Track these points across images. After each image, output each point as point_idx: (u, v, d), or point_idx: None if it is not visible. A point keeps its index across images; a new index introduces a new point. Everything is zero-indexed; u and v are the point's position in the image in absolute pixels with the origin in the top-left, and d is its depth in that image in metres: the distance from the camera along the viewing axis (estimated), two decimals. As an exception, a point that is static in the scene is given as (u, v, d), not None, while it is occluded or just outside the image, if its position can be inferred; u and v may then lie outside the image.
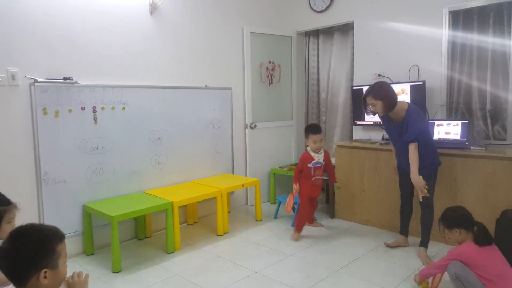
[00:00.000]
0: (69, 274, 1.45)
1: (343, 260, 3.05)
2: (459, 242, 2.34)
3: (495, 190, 3.07)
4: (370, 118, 4.15)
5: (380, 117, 3.18)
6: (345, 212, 4.06)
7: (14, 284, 1.28)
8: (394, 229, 3.55)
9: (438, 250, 3.15)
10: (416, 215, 3.40)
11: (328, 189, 4.39)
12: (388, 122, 3.10)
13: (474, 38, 3.64)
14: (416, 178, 2.86)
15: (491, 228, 3.01)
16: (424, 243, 3.07)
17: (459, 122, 3.47)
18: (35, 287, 1.27)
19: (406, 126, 2.90)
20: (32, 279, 1.26)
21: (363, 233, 3.69)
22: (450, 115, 3.78)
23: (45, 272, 1.28)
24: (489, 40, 3.55)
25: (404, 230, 3.31)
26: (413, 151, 2.86)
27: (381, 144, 3.79)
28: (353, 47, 4.49)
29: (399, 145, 3.09)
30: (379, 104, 2.89)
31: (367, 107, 3.00)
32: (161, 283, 2.73)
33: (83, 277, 1.47)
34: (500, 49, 3.51)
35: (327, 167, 3.61)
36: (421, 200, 2.89)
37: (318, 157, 3.46)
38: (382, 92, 2.89)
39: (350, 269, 2.89)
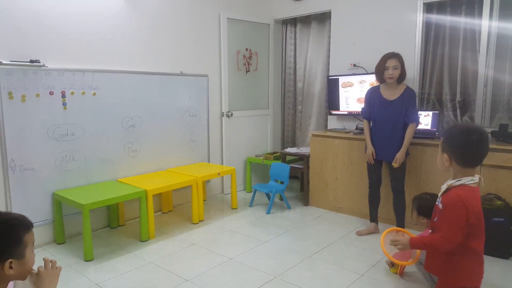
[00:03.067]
0: (37, 263, 1.38)
1: (316, 247, 3.11)
2: (426, 227, 2.41)
3: (461, 178, 3.19)
4: (345, 108, 4.23)
5: (370, 94, 3.28)
6: (318, 200, 4.14)
7: None
8: (365, 216, 3.64)
9: (407, 236, 3.27)
10: (385, 202, 3.52)
11: (302, 178, 4.45)
12: (379, 98, 3.19)
13: (446, 30, 3.74)
14: (404, 155, 3.09)
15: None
16: (401, 228, 3.19)
17: (430, 113, 3.57)
18: (0, 277, 1.22)
19: (407, 103, 3.08)
20: None
21: (335, 220, 3.77)
22: (422, 106, 3.89)
23: (11, 262, 1.22)
24: (461, 33, 3.65)
25: (374, 217, 3.42)
26: (412, 130, 3.09)
27: (354, 133, 3.86)
28: (329, 37, 4.51)
29: (387, 122, 3.14)
30: (399, 67, 3.06)
31: (385, 71, 3.08)
32: (134, 271, 2.70)
33: (56, 268, 1.36)
34: (471, 42, 3.62)
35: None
36: (394, 165, 3.11)
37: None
38: (402, 59, 3.11)
39: (323, 255, 2.96)
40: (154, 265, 2.80)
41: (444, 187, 1.64)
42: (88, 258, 2.85)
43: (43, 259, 1.33)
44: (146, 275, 2.64)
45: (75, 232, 3.30)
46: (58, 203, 3.11)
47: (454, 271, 1.59)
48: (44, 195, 3.09)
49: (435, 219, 1.66)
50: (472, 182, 1.55)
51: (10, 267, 1.22)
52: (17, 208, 2.91)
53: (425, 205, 2.39)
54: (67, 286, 2.47)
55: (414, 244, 1.66)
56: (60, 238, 3.15)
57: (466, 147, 1.55)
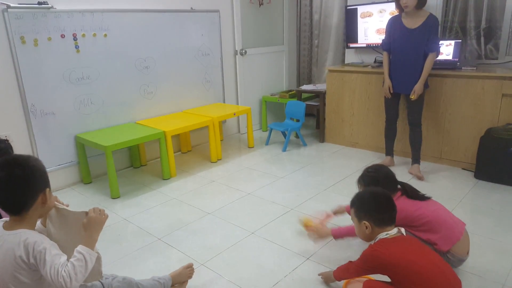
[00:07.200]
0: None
1: (331, 180, 3.19)
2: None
3: (482, 109, 3.12)
4: (363, 40, 4.05)
5: (391, 23, 3.13)
6: (334, 136, 4.15)
7: (13, 213, 1.27)
8: (380, 150, 3.66)
9: (424, 167, 3.29)
10: (401, 136, 3.51)
11: (318, 115, 4.43)
12: (401, 27, 3.04)
13: None
14: (422, 86, 3.00)
15: (475, 145, 3.14)
16: (416, 160, 3.25)
17: (452, 42, 3.39)
18: (35, 212, 1.30)
19: (428, 32, 2.92)
20: (36, 202, 1.27)
21: (351, 155, 3.82)
22: (444, 35, 3.69)
23: (48, 190, 1.31)
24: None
25: (389, 151, 3.45)
26: (432, 60, 2.96)
27: (372, 67, 3.74)
28: (347, -37, 4.19)
29: (407, 52, 3.03)
30: None
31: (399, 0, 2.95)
32: (160, 206, 2.87)
33: (104, 216, 1.38)
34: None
35: None
36: (412, 98, 3.03)
37: None
38: None
39: (338, 188, 3.05)
40: (177, 200, 2.95)
41: None
42: (115, 196, 3.03)
43: (93, 208, 1.38)
44: (170, 210, 2.81)
45: (101, 172, 3.47)
46: (81, 146, 3.24)
47: None
48: (67, 138, 3.21)
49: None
50: (387, 235, 1.55)
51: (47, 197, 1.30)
52: (42, 151, 3.05)
53: (372, 179, 1.95)
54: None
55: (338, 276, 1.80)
56: (86, 178, 3.33)
57: (379, 209, 1.58)
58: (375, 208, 1.59)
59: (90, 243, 1.30)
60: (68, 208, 1.40)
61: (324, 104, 4.15)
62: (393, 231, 1.57)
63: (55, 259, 1.20)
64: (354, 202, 1.68)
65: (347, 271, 1.72)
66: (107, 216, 1.39)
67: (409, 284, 1.46)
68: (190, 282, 1.94)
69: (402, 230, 1.61)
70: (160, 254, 2.24)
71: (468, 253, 1.86)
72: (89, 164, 3.34)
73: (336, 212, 2.37)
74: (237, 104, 4.61)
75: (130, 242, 2.39)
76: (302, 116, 4.10)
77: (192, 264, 1.96)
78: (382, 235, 1.57)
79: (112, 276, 1.63)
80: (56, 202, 1.37)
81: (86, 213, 1.35)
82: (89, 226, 1.32)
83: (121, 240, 2.42)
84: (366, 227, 1.59)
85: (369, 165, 2.08)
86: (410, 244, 1.56)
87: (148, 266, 2.13)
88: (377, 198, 1.62)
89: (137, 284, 1.66)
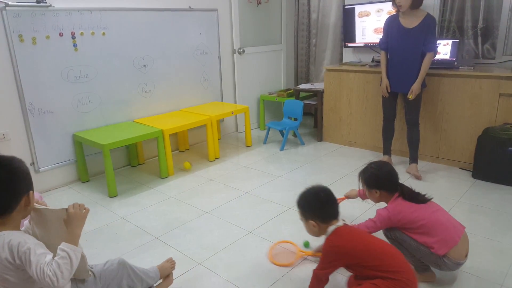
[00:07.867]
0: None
1: (329, 179, 3.20)
2: (376, 201, 1.99)
3: (479, 108, 3.14)
4: (361, 40, 4.06)
5: (388, 23, 3.13)
6: (332, 135, 4.16)
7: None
8: (378, 149, 3.67)
9: (422, 166, 3.30)
10: (399, 135, 3.52)
11: (316, 114, 4.44)
12: (398, 27, 3.04)
13: None
14: (419, 86, 3.00)
15: (473, 144, 3.15)
16: (414, 159, 3.25)
17: (450, 42, 3.40)
18: (18, 214, 1.28)
19: (425, 32, 2.91)
20: (20, 204, 1.26)
21: (348, 154, 3.83)
22: (442, 34, 3.70)
23: (32, 193, 1.30)
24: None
25: (387, 150, 3.45)
26: (429, 60, 2.96)
27: (370, 66, 3.75)
28: (345, -38, 4.20)
29: (404, 51, 3.03)
30: None
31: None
32: (157, 205, 2.87)
33: (84, 210, 1.37)
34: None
35: None
36: (410, 98, 3.04)
37: None
38: None
39: (336, 186, 3.03)
40: (175, 199, 2.95)
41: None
42: (112, 194, 3.02)
43: (72, 204, 1.36)
44: (168, 208, 2.81)
45: (98, 171, 3.46)
46: (79, 144, 3.23)
47: None
48: (65, 136, 3.20)
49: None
50: (335, 227, 1.61)
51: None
52: (40, 150, 3.04)
53: (372, 175, 1.94)
54: (94, 220, 2.66)
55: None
56: (84, 176, 3.32)
57: (321, 206, 1.64)
58: (318, 206, 1.65)
59: (73, 239, 1.29)
60: (48, 207, 1.38)
61: (322, 103, 4.16)
62: (340, 223, 1.63)
63: (40, 259, 1.19)
64: (299, 202, 1.71)
65: (315, 278, 1.66)
66: (88, 211, 1.38)
67: (372, 260, 1.52)
68: (188, 281, 1.95)
69: (347, 221, 1.69)
70: (158, 253, 2.24)
71: (466, 256, 1.82)
72: (87, 162, 3.33)
73: (349, 196, 2.39)
74: (235, 103, 4.61)
75: (128, 241, 2.39)
76: (300, 115, 4.11)
77: (172, 258, 1.94)
78: (331, 228, 1.62)
79: (105, 262, 1.64)
80: (35, 204, 1.35)
81: (66, 209, 1.34)
82: (70, 222, 1.31)
83: (118, 239, 2.41)
84: (314, 225, 1.63)
85: (368, 162, 2.06)
86: (358, 230, 1.70)
87: (145, 265, 2.11)
88: (318, 195, 1.67)
89: (130, 266, 1.67)
